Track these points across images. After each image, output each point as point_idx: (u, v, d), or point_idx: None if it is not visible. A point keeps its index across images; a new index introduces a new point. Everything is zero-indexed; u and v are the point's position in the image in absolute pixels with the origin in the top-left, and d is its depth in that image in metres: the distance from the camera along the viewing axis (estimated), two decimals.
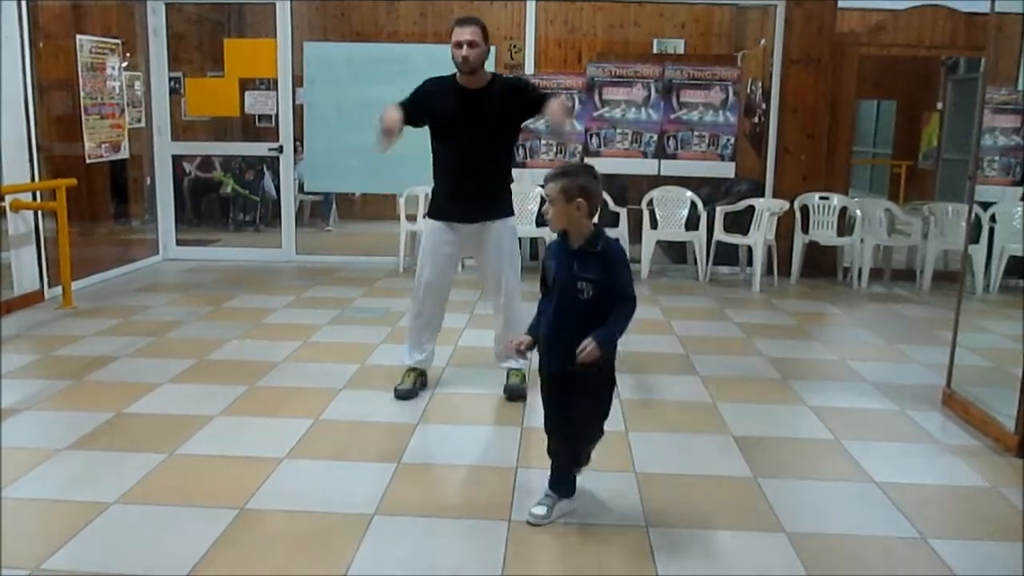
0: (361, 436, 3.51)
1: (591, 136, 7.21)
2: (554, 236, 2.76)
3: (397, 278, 6.87)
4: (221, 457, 3.23)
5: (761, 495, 2.98)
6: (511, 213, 3.94)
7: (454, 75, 3.76)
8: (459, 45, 3.64)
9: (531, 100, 3.78)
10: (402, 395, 3.94)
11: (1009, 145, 6.98)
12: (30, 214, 5.69)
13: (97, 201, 7.83)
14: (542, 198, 6.99)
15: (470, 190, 3.80)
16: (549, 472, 2.82)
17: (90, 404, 3.76)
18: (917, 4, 6.93)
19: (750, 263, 6.92)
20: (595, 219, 2.68)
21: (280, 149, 7.62)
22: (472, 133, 3.74)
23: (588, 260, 2.60)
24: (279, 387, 4.09)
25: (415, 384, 4.01)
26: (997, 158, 7.01)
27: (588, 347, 2.53)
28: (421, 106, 3.77)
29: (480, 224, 3.86)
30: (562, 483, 2.81)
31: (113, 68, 6.68)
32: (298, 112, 7.53)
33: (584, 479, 2.87)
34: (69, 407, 3.77)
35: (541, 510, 2.74)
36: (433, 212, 3.93)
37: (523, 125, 3.94)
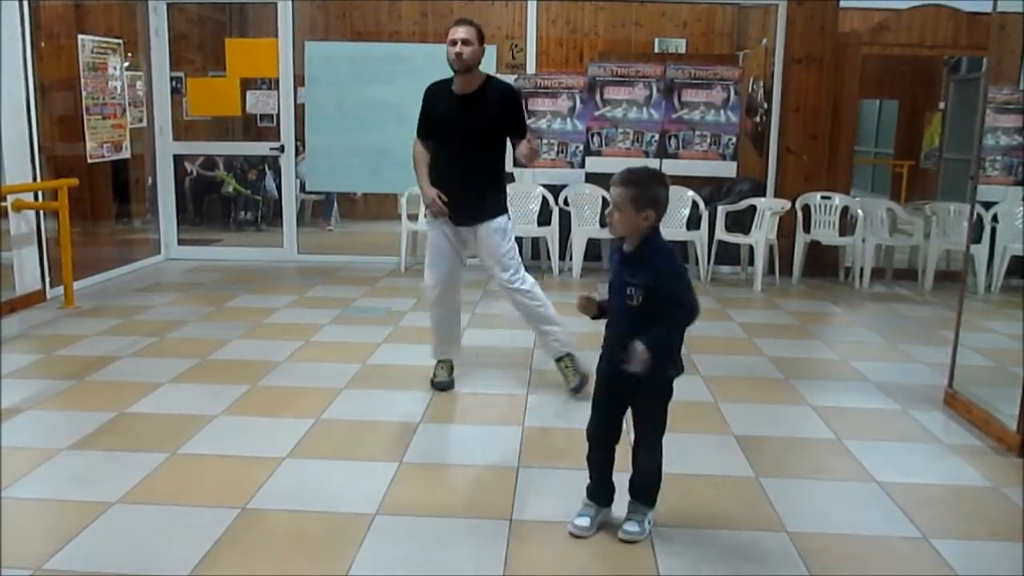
0: (363, 436, 3.51)
1: (592, 135, 7.21)
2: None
3: (399, 278, 6.87)
4: (222, 457, 3.23)
5: (763, 495, 2.98)
6: (501, 212, 3.93)
7: (451, 79, 3.83)
8: (453, 43, 3.71)
9: (513, 125, 3.86)
10: (441, 387, 4.03)
11: (1011, 145, 6.97)
12: (32, 214, 5.69)
13: (99, 201, 7.84)
14: (543, 198, 7.01)
15: (461, 193, 3.82)
16: (588, 480, 2.75)
17: (92, 404, 3.76)
18: (919, 3, 6.91)
19: (751, 263, 6.91)
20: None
21: (281, 149, 7.62)
22: (463, 139, 3.80)
23: (637, 265, 2.47)
24: (281, 387, 4.09)
25: (450, 374, 4.10)
26: (999, 158, 7.00)
27: (635, 356, 2.36)
28: (428, 116, 3.90)
29: (471, 227, 3.91)
30: (602, 494, 2.73)
31: (115, 68, 6.69)
32: (299, 112, 7.54)
33: (585, 479, 2.87)
34: (71, 407, 3.77)
35: (584, 521, 2.67)
36: None
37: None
